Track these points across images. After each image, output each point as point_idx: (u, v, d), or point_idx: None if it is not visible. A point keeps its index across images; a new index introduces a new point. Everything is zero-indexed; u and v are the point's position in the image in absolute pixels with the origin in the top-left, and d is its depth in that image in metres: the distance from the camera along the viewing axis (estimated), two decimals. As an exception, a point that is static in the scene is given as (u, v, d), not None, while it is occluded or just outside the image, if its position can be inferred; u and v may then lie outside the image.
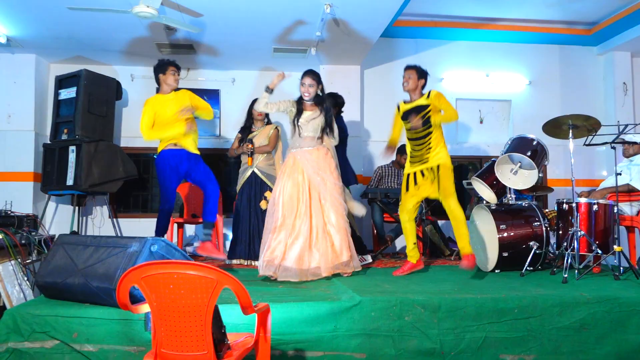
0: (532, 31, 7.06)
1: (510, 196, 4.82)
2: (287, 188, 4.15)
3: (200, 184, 4.54)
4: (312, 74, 4.30)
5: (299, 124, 4.27)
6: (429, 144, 4.19)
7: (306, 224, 4.05)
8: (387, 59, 7.23)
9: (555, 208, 4.85)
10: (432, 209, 5.92)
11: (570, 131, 4.37)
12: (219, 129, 7.03)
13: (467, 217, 4.65)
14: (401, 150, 6.35)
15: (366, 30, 5.69)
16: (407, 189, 4.26)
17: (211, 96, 7.01)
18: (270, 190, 5.13)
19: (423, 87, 4.30)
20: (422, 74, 4.28)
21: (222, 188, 5.32)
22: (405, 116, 4.29)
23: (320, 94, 4.34)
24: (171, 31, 5.70)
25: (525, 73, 7.45)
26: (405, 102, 4.37)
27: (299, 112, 4.30)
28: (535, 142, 4.48)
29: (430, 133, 4.18)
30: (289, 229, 4.04)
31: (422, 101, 4.24)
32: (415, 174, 4.24)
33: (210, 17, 5.32)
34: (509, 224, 4.53)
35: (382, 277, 4.26)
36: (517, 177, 4.51)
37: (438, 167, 4.15)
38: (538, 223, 4.55)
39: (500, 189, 4.86)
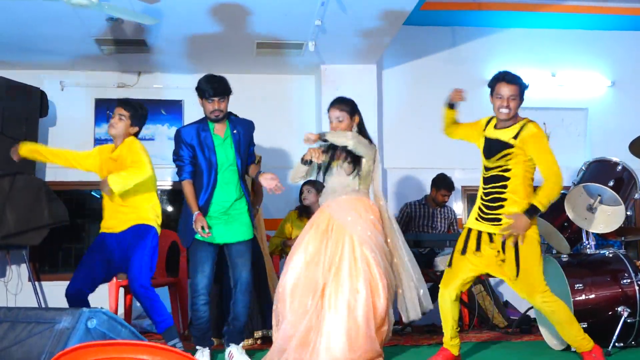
0: (613, 13, 7.18)
1: (589, 243, 4.84)
2: None
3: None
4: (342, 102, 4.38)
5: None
6: (500, 193, 3.92)
7: None
8: (414, 54, 7.34)
9: (653, 258, 4.87)
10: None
11: (669, 151, 4.43)
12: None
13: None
14: (439, 182, 6.41)
15: (384, 16, 5.79)
16: (464, 251, 4.03)
17: (171, 109, 7.11)
18: None
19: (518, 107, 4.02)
20: (523, 92, 4.02)
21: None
22: (484, 144, 4.08)
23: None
24: (116, 23, 5.81)
25: (606, 71, 7.54)
26: (494, 123, 4.11)
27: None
28: (620, 168, 4.53)
29: (506, 179, 3.92)
30: None
31: (507, 136, 3.94)
32: (480, 234, 3.98)
33: (168, 4, 5.42)
34: (588, 282, 4.54)
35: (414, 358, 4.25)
36: (597, 215, 4.54)
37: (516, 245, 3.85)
38: (629, 280, 4.56)
39: (574, 234, 4.89)
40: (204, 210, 4.29)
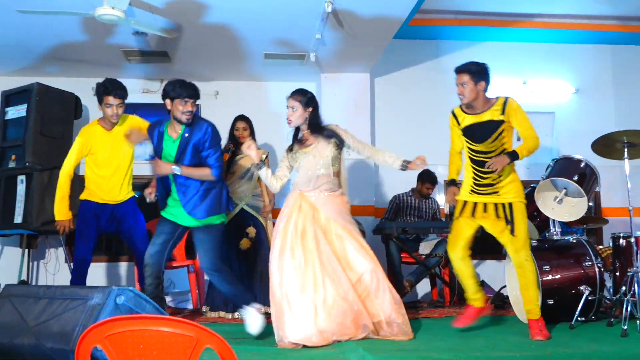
0: (577, 29, 7.17)
1: (555, 230, 4.85)
2: None
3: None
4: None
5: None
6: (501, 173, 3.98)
7: None
8: (403, 64, 7.35)
9: (611, 244, 4.88)
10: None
11: (626, 150, 4.42)
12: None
13: (503, 256, 4.67)
14: (424, 176, 6.40)
15: (376, 30, 5.80)
16: (461, 214, 4.08)
17: (190, 112, 7.10)
18: (254, 225, 5.22)
19: (485, 89, 4.07)
20: (479, 74, 4.01)
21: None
22: (469, 132, 4.07)
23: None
24: (141, 36, 5.82)
25: (571, 79, 7.54)
26: (464, 110, 4.14)
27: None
28: (583, 164, 4.53)
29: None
30: None
31: (493, 115, 4.00)
32: (475, 205, 4.05)
33: (187, 19, 5.44)
34: (554, 264, 4.55)
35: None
36: (563, 206, 4.54)
37: (511, 205, 3.97)
38: (590, 263, 4.57)
39: (542, 222, 4.89)
40: (167, 193, 4.21)
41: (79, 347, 1.99)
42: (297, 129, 4.22)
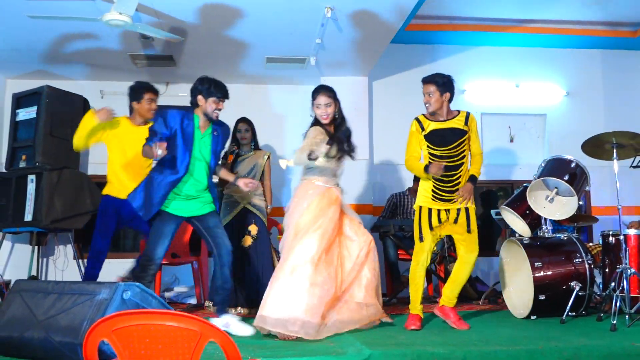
0: (568, 34, 7.18)
1: (547, 228, 4.85)
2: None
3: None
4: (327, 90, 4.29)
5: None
6: (459, 177, 4.14)
7: None
8: (400, 68, 7.34)
9: (600, 241, 4.87)
10: (454, 245, 5.94)
11: (615, 151, 4.43)
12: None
13: (496, 254, 4.67)
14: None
15: (374, 35, 5.80)
16: (431, 228, 4.16)
17: (194, 114, 7.10)
18: (256, 223, 5.21)
19: (450, 100, 4.19)
20: (444, 85, 4.12)
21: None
22: (433, 138, 4.15)
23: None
24: (147, 41, 5.82)
25: (562, 83, 7.54)
26: (427, 117, 4.23)
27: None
28: (573, 164, 4.53)
29: (462, 164, 4.14)
30: None
31: (457, 124, 4.15)
32: (439, 212, 4.16)
33: (192, 24, 5.44)
34: (546, 261, 4.55)
35: (396, 326, 4.26)
36: (554, 205, 4.54)
37: (467, 210, 4.13)
38: (580, 259, 4.58)
39: (534, 220, 4.89)
40: (172, 187, 4.02)
41: (87, 340, 1.98)
42: (318, 123, 4.25)
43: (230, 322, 4.02)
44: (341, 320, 3.90)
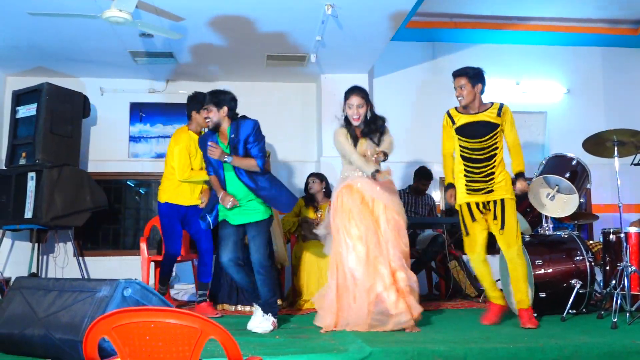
0: (569, 31, 7.17)
1: (547, 226, 4.84)
2: None
3: (195, 236, 5.01)
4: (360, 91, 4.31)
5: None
6: (492, 167, 4.09)
7: None
8: (400, 65, 7.32)
9: (601, 239, 4.87)
10: (455, 242, 5.93)
11: (616, 148, 4.43)
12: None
13: (497, 251, 4.67)
14: (419, 173, 6.41)
15: (374, 33, 5.79)
16: (474, 219, 4.14)
17: (194, 112, 7.09)
18: None
19: (482, 92, 4.20)
20: (476, 77, 4.13)
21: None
22: (464, 131, 4.15)
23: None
24: (147, 38, 5.81)
25: (562, 80, 7.53)
26: (459, 111, 4.23)
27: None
28: (574, 162, 4.53)
29: (495, 155, 4.10)
30: None
31: (489, 117, 4.13)
32: (476, 204, 4.12)
33: (192, 21, 5.43)
34: (546, 258, 4.54)
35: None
36: (555, 203, 4.54)
37: (503, 201, 4.07)
38: (581, 257, 4.57)
39: (535, 218, 4.89)
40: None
41: (87, 337, 1.98)
42: (348, 123, 4.34)
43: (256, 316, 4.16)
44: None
